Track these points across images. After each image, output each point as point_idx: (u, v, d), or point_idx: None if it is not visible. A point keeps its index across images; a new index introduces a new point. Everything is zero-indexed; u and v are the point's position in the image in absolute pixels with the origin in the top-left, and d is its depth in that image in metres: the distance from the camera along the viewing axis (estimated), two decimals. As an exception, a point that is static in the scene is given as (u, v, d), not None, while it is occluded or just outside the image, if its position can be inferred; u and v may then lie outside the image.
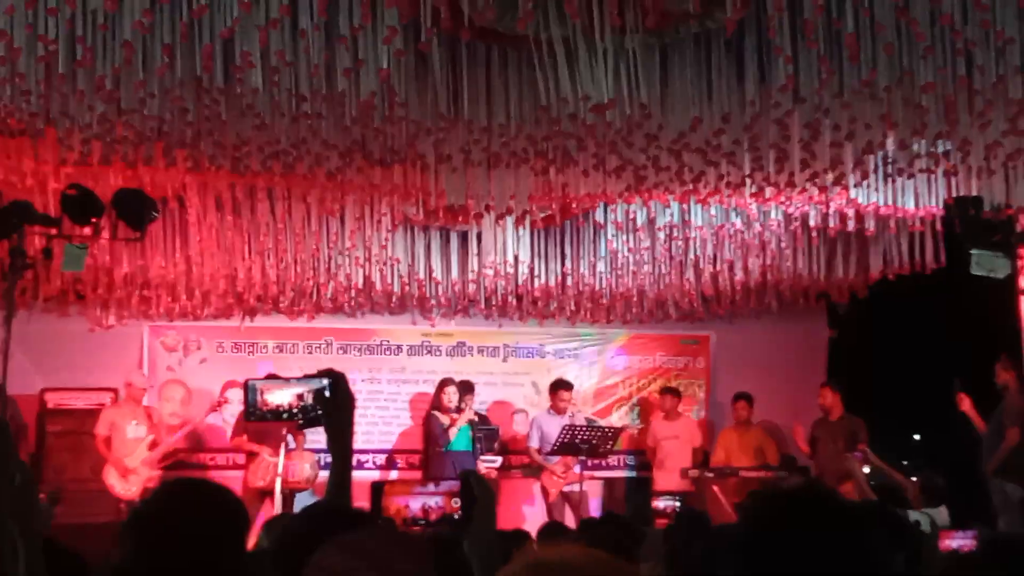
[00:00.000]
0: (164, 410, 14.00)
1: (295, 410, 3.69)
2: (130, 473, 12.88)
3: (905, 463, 13.35)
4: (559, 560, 2.22)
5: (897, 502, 11.14)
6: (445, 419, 13.58)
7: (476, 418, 13.85)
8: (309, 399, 3.67)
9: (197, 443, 14.58)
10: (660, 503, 12.74)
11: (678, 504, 12.49)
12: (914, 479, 11.82)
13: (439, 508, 3.48)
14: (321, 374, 3.74)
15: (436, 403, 13.78)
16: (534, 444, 14.04)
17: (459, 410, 13.63)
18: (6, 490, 3.12)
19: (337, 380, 3.71)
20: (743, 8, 7.30)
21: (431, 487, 3.59)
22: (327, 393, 3.67)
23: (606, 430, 13.65)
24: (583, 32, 7.38)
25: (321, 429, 3.80)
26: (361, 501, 3.72)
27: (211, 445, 14.61)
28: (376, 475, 14.38)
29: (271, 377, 3.84)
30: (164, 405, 14.18)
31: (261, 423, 4.31)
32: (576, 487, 13.42)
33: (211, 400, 14.05)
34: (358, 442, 14.27)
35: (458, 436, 13.53)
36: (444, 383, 13.81)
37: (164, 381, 14.55)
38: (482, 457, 13.41)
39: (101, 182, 10.56)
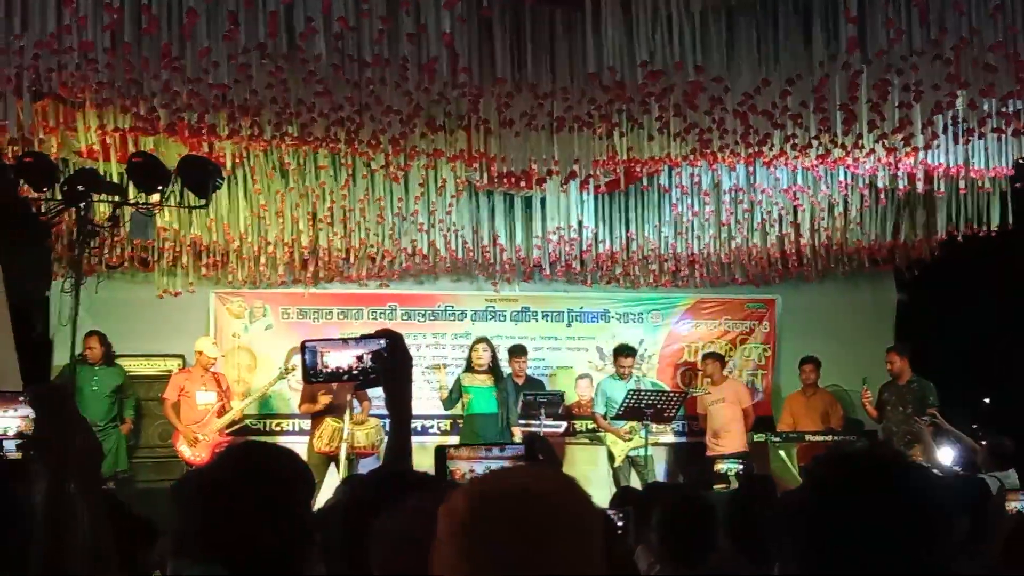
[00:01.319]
0: (231, 376, 14.13)
1: (355, 371, 3.67)
2: (199, 439, 13.01)
3: (975, 426, 13.19)
4: (500, 492, 2.28)
5: (966, 466, 11.06)
6: (466, 380, 13.57)
7: (489, 373, 13.68)
8: (368, 360, 3.65)
9: (264, 409, 14.69)
10: (722, 467, 12.70)
11: (741, 468, 12.45)
12: (983, 442, 11.70)
13: (505, 472, 3.50)
14: (379, 334, 3.73)
15: (467, 363, 13.76)
16: (599, 409, 14.04)
17: (490, 370, 13.55)
18: (70, 455, 3.15)
19: (395, 340, 3.69)
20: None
21: (496, 451, 3.59)
22: (385, 354, 3.66)
23: (671, 394, 13.63)
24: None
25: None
26: (426, 465, 3.72)
27: (278, 411, 14.71)
28: (439, 440, 14.45)
29: (328, 339, 3.83)
30: (231, 372, 14.32)
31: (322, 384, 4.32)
32: (641, 451, 13.41)
33: (276, 367, 14.16)
34: (422, 408, 14.38)
35: (480, 398, 13.46)
36: (476, 342, 13.77)
37: (231, 347, 14.70)
38: (545, 422, 13.34)
39: (167, 149, 10.65)
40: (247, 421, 14.15)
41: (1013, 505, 7.29)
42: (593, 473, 14.38)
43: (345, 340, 3.77)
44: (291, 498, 3.23)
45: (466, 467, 3.74)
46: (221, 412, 13.33)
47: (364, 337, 3.72)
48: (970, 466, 11.08)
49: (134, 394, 13.67)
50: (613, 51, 7.73)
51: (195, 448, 12.96)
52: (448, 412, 14.42)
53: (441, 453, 3.71)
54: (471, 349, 13.65)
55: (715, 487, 12.20)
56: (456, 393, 13.56)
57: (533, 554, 2.20)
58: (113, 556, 3.19)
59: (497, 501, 2.26)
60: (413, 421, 3.78)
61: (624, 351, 14.22)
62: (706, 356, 15.03)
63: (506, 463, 3.72)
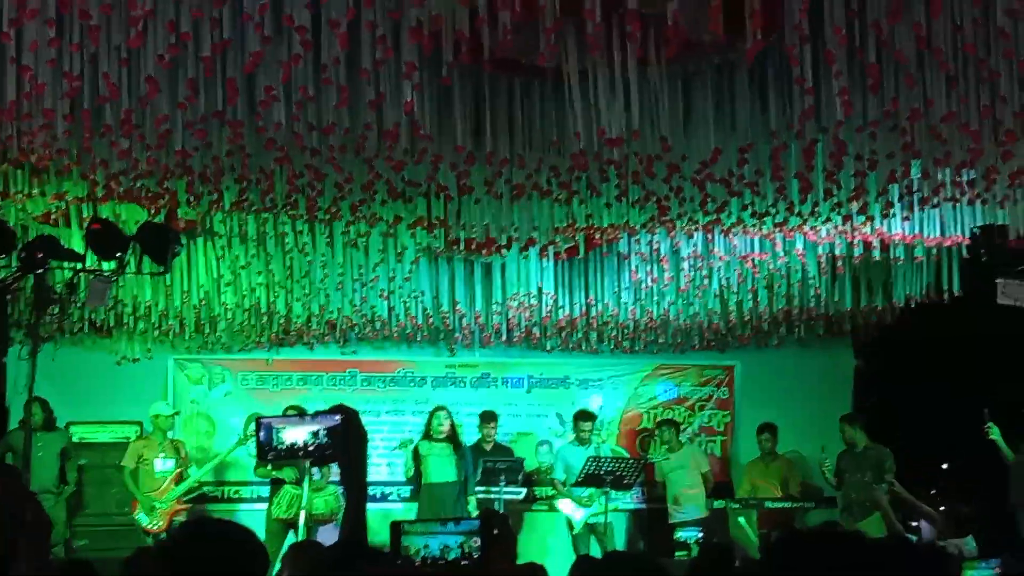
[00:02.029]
0: (189, 443, 14.04)
1: (311, 448, 3.68)
2: (156, 507, 12.90)
3: (933, 492, 13.24)
4: None
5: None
6: (424, 448, 13.53)
7: (448, 441, 13.67)
8: (323, 436, 3.66)
9: (222, 476, 14.59)
10: (682, 534, 12.69)
11: (701, 535, 12.45)
12: (942, 509, 11.75)
13: (459, 547, 3.47)
14: (333, 410, 3.74)
15: (425, 430, 13.73)
16: (559, 476, 14.02)
17: (448, 437, 13.53)
18: (20, 529, 3.13)
19: (350, 416, 3.71)
20: (765, 39, 7.28)
21: (451, 526, 3.57)
22: (340, 430, 3.66)
23: (631, 461, 13.63)
24: (605, 64, 7.37)
25: None
26: (385, 533, 3.70)
27: (235, 478, 14.61)
28: (401, 507, 14.38)
29: (284, 416, 3.84)
30: (189, 439, 14.24)
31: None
32: (601, 518, 13.38)
33: (235, 433, 14.09)
34: (383, 474, 14.36)
35: (438, 466, 13.40)
36: (436, 409, 13.75)
37: (190, 414, 14.62)
38: (505, 489, 13.30)
39: (125, 216, 10.63)
40: (205, 488, 14.05)
41: (972, 574, 7.32)
42: (553, 540, 14.35)
43: (301, 416, 3.78)
44: (243, 572, 3.22)
45: (420, 542, 3.74)
46: (179, 479, 13.22)
47: (319, 413, 3.74)
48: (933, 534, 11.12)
49: (76, 457, 13.52)
50: (572, 119, 7.78)
51: (152, 516, 12.85)
52: (403, 479, 14.38)
53: (396, 529, 3.71)
54: (431, 416, 13.62)
55: (676, 554, 12.18)
56: (414, 464, 13.50)
57: None
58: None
59: None
60: (373, 488, 3.78)
61: (584, 416, 14.25)
62: (661, 423, 15.07)
63: (461, 537, 3.71)
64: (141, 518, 12.90)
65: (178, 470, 13.26)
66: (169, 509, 12.93)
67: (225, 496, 14.63)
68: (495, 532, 3.59)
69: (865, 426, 13.57)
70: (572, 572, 6.50)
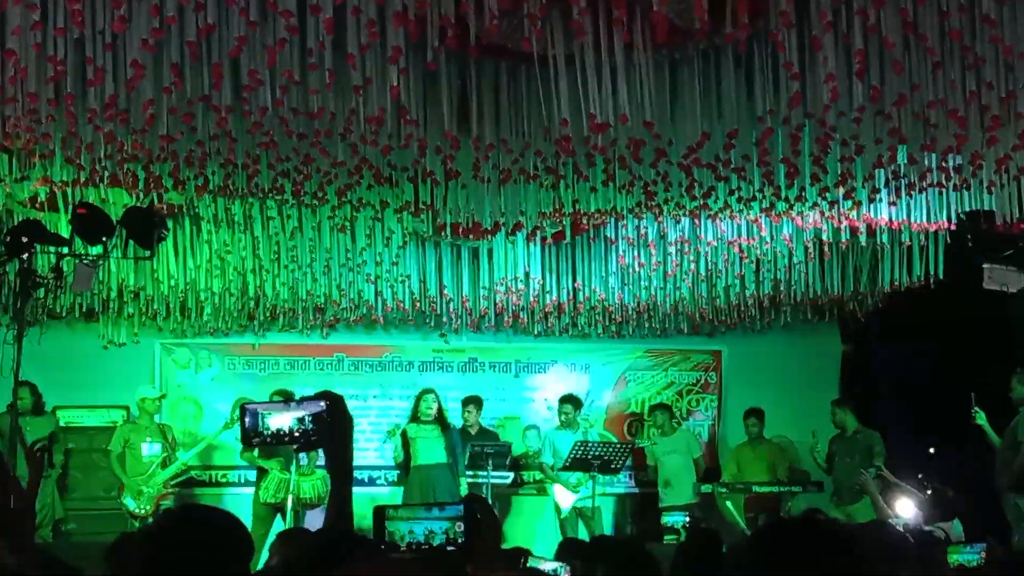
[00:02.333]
0: (176, 428, 14.03)
1: (296, 433, 3.67)
2: (143, 491, 12.89)
3: (920, 476, 13.28)
4: None
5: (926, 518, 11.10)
6: (412, 430, 13.52)
7: (435, 423, 13.66)
8: (308, 422, 3.65)
9: (209, 460, 14.58)
10: (669, 519, 12.72)
11: (688, 520, 12.48)
12: (928, 493, 11.77)
13: (443, 533, 3.48)
14: (319, 396, 3.73)
15: (412, 413, 13.72)
16: (547, 460, 14.05)
17: (435, 420, 13.52)
18: (6, 519, 3.13)
19: (335, 402, 3.70)
20: (751, 24, 7.28)
21: (435, 511, 3.57)
22: (325, 416, 3.66)
23: (618, 445, 13.66)
24: (591, 49, 7.36)
25: None
26: (368, 520, 3.73)
27: (222, 462, 14.60)
28: (387, 491, 14.40)
29: (269, 402, 3.84)
30: (176, 423, 14.23)
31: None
32: (589, 503, 13.41)
33: (222, 417, 14.07)
34: (370, 459, 14.36)
35: (427, 448, 13.40)
36: (423, 392, 13.74)
37: (177, 398, 14.61)
38: (493, 473, 13.32)
39: (111, 200, 10.61)
40: (192, 472, 14.05)
41: (955, 557, 7.33)
42: (540, 524, 14.38)
43: (286, 402, 3.77)
44: (228, 559, 3.22)
45: (405, 528, 3.73)
46: (166, 464, 13.22)
47: (304, 399, 3.73)
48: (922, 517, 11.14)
49: (64, 441, 13.48)
50: (558, 104, 7.77)
51: (139, 500, 12.85)
52: (391, 464, 14.41)
53: (380, 514, 3.71)
54: (418, 399, 13.61)
55: (666, 538, 12.20)
56: (403, 448, 13.49)
57: None
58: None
59: None
60: (360, 472, 3.79)
61: (568, 400, 14.28)
62: (653, 407, 15.12)
63: (445, 523, 3.71)
64: (128, 502, 12.89)
65: (165, 454, 13.25)
66: (156, 493, 12.93)
67: (212, 480, 14.63)
68: (478, 517, 3.59)
69: (855, 409, 13.64)
70: (557, 555, 6.52)
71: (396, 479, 14.77)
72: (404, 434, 13.53)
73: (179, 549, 3.20)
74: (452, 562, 3.74)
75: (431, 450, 13.35)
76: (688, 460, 14.43)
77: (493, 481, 13.24)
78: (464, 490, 13.11)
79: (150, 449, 13.18)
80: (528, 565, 5.38)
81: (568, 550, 7.28)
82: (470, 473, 13.33)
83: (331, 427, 3.69)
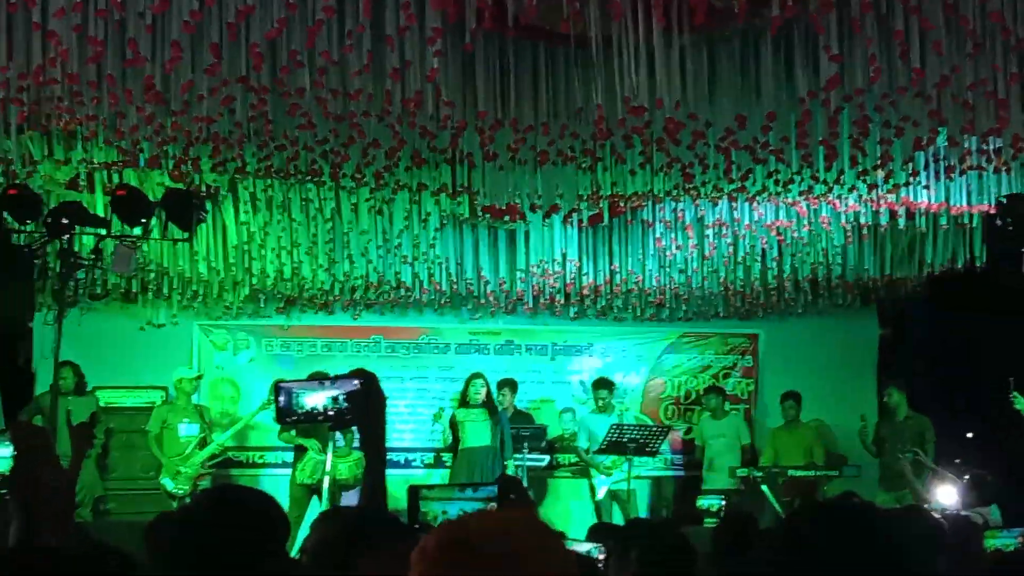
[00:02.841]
0: (214, 409, 14.10)
1: (331, 412, 3.68)
2: (181, 472, 12.96)
3: (957, 461, 13.20)
4: (472, 533, 2.26)
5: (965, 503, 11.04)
6: (460, 414, 13.51)
7: (483, 407, 13.63)
8: (342, 401, 3.66)
9: (245, 441, 14.64)
10: (706, 502, 12.70)
11: (724, 503, 12.45)
12: (966, 478, 11.71)
13: (477, 514, 3.52)
14: (353, 375, 3.72)
15: (461, 397, 13.72)
16: (582, 444, 14.04)
17: (484, 404, 13.50)
18: (41, 493, 3.15)
19: (370, 381, 3.69)
20: (791, 6, 7.24)
21: (469, 492, 3.58)
22: (359, 394, 3.66)
23: (653, 428, 13.65)
24: (629, 30, 7.34)
25: None
26: (404, 502, 3.73)
27: (259, 443, 14.65)
28: (423, 473, 14.43)
29: (303, 380, 3.84)
30: (214, 404, 14.29)
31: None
32: (624, 485, 13.40)
33: (259, 399, 14.13)
34: (405, 441, 14.39)
35: (475, 432, 13.40)
36: (473, 377, 13.71)
37: (214, 380, 14.67)
38: (528, 456, 13.33)
39: (151, 182, 10.67)
40: (229, 453, 14.11)
41: (994, 543, 7.31)
42: (576, 507, 14.39)
43: (320, 380, 3.77)
44: (264, 539, 3.23)
45: (439, 508, 3.74)
46: (203, 444, 13.28)
47: (338, 377, 3.73)
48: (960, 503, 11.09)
49: (105, 422, 13.55)
50: (596, 86, 7.76)
51: (177, 480, 12.91)
52: (430, 446, 14.46)
53: (414, 493, 3.72)
54: (467, 384, 13.56)
55: (707, 522, 12.16)
56: (452, 432, 13.49)
57: None
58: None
59: (461, 543, 2.24)
60: (396, 454, 3.79)
61: (602, 384, 14.26)
62: (708, 389, 15.08)
63: (479, 503, 3.72)
64: (166, 482, 12.96)
65: (202, 435, 13.31)
66: (194, 474, 12.99)
67: (249, 461, 14.68)
68: (511, 497, 3.59)
69: (908, 392, 13.58)
70: (589, 537, 6.53)
71: (432, 461, 14.81)
72: (453, 418, 13.53)
73: (215, 529, 3.21)
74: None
75: (478, 433, 13.34)
76: (736, 445, 14.41)
77: (528, 464, 13.25)
78: (512, 472, 13.17)
79: (187, 430, 13.23)
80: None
81: (601, 533, 7.30)
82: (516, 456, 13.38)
83: (365, 405, 3.69)
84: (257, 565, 3.16)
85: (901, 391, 13.63)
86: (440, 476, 14.17)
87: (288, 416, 3.75)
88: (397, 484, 4.09)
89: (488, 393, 13.49)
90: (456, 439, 13.38)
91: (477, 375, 13.58)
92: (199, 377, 13.95)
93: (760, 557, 3.07)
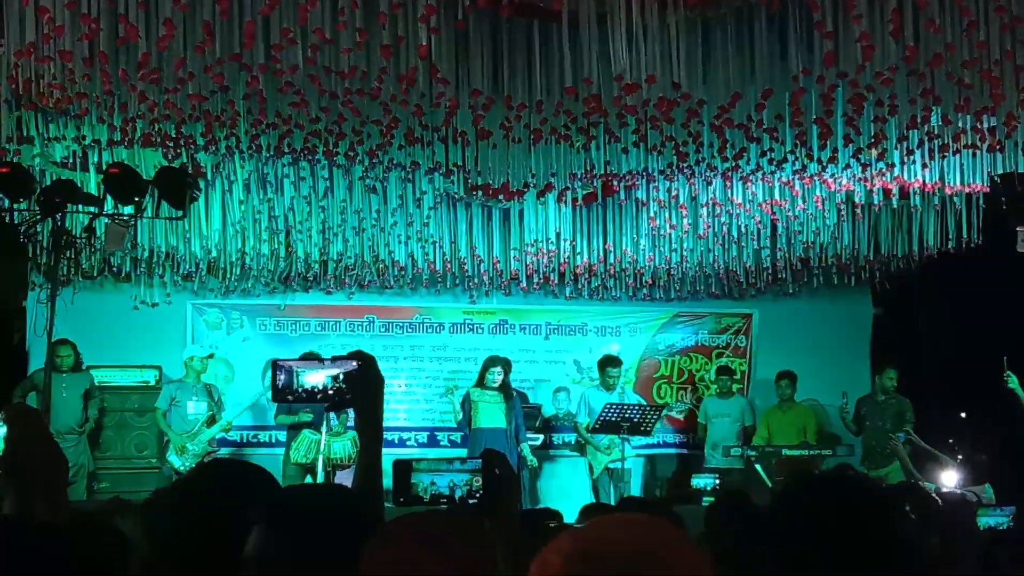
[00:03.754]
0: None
1: (330, 391, 3.67)
2: (188, 449, 12.97)
3: (951, 441, 13.24)
4: (601, 545, 2.12)
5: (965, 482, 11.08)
6: (475, 394, 13.52)
7: (499, 390, 13.62)
8: (341, 381, 3.65)
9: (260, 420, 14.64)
10: (701, 481, 12.73)
11: (718, 482, 12.49)
12: (959, 458, 11.74)
13: (466, 485, 3.49)
14: (351, 356, 3.72)
15: (478, 379, 13.73)
16: (582, 420, 14.04)
17: (502, 388, 13.52)
18: (36, 472, 3.15)
19: (367, 362, 3.69)
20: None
21: (457, 464, 3.58)
22: (357, 375, 3.65)
23: (648, 408, 13.64)
24: (622, 7, 7.33)
25: None
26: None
27: (253, 423, 14.66)
28: (417, 452, 14.45)
29: (301, 360, 3.83)
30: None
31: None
32: (619, 464, 13.42)
33: (252, 377, 14.15)
34: (399, 420, 14.41)
35: (488, 413, 13.43)
36: (492, 363, 13.70)
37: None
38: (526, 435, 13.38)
39: (143, 160, 10.65)
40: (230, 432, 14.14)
41: (987, 521, 7.32)
42: (573, 485, 14.40)
43: (320, 360, 3.77)
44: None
45: (427, 479, 3.74)
46: (211, 422, 13.31)
47: (336, 358, 3.72)
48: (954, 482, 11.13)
49: (99, 397, 13.55)
50: (589, 64, 7.75)
51: (184, 458, 12.90)
52: (424, 425, 14.51)
53: (403, 467, 3.71)
54: (485, 369, 13.55)
55: (705, 500, 12.17)
56: (461, 410, 13.50)
57: None
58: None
59: (597, 560, 2.10)
60: (390, 434, 3.78)
61: (611, 362, 14.24)
62: (719, 369, 15.10)
63: (467, 476, 3.71)
64: (173, 459, 12.98)
65: (210, 413, 13.35)
66: (201, 451, 12.98)
67: (244, 440, 14.68)
68: (496, 472, 3.58)
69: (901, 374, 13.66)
70: (580, 518, 6.54)
71: (426, 440, 14.85)
72: (466, 396, 13.55)
73: (209, 501, 3.21)
74: (472, 514, 3.73)
75: (492, 415, 13.38)
76: (739, 427, 14.45)
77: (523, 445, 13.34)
78: (528, 456, 13.30)
79: (196, 407, 13.28)
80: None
81: (592, 512, 7.30)
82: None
83: (363, 386, 3.69)
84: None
85: (894, 371, 13.69)
86: (435, 455, 14.19)
87: (287, 395, 3.73)
88: (389, 463, 4.10)
89: (506, 378, 13.52)
90: (468, 419, 13.41)
91: (495, 363, 13.56)
92: (210, 356, 13.95)
93: (754, 530, 3.06)
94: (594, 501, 11.95)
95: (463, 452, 13.38)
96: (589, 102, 8.32)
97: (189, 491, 3.35)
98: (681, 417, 15.62)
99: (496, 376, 13.35)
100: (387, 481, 3.67)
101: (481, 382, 13.45)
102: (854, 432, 13.78)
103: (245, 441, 14.67)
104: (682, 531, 2.20)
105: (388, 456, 3.64)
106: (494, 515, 3.64)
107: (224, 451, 13.90)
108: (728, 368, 15.14)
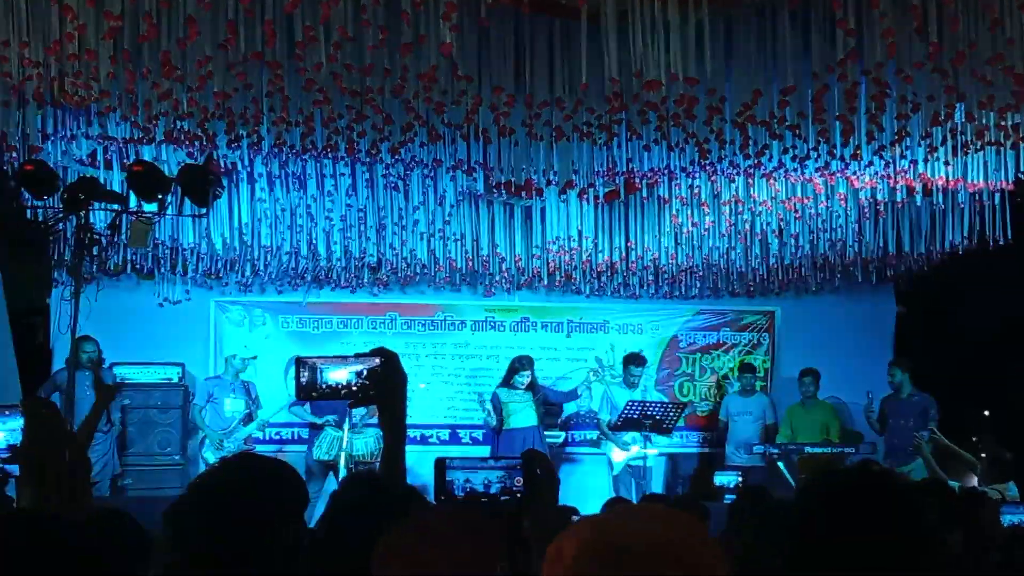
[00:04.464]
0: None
1: (354, 388, 3.69)
2: (224, 445, 13.03)
3: (974, 439, 13.22)
4: (619, 536, 2.12)
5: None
6: (504, 395, 13.55)
7: (527, 390, 13.68)
8: (365, 378, 3.67)
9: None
10: (723, 479, 12.70)
11: (740, 480, 12.46)
12: (983, 455, 11.71)
13: (500, 483, 3.50)
14: (374, 353, 3.74)
15: (505, 379, 13.77)
16: (604, 416, 14.05)
17: (529, 387, 13.57)
18: (56, 468, 3.16)
19: (390, 359, 3.71)
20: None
21: (491, 462, 3.60)
22: (380, 372, 3.67)
23: (670, 405, 13.65)
24: (644, 4, 7.33)
25: None
26: (422, 474, 3.72)
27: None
28: (440, 450, 14.47)
29: (325, 357, 3.84)
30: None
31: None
32: (641, 461, 13.42)
33: (277, 375, 14.19)
34: (422, 417, 14.43)
35: (520, 413, 13.47)
36: (522, 365, 13.75)
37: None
38: (545, 432, 13.40)
39: (167, 158, 10.68)
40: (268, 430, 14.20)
41: (1011, 519, 7.30)
42: (593, 482, 14.39)
43: (344, 357, 3.78)
44: (283, 506, 3.25)
45: (462, 477, 3.76)
46: (248, 420, 13.37)
47: (359, 355, 3.74)
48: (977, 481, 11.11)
49: (121, 397, 13.57)
50: (610, 61, 7.75)
51: (220, 454, 12.95)
52: (446, 421, 14.58)
53: (440, 465, 3.73)
54: (512, 370, 13.62)
55: (727, 498, 12.17)
56: (499, 413, 13.55)
57: None
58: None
59: (613, 550, 2.09)
60: (412, 431, 3.80)
61: (636, 360, 14.24)
62: (742, 367, 15.07)
63: (501, 474, 3.73)
64: (208, 455, 13.05)
65: (247, 411, 13.41)
66: (236, 448, 13.03)
67: (267, 438, 14.70)
68: (537, 472, 3.59)
69: (912, 371, 13.59)
70: (603, 510, 6.55)
71: (447, 437, 14.89)
72: (495, 398, 13.59)
73: (234, 494, 3.23)
74: (508, 512, 3.75)
75: (524, 415, 13.47)
76: (761, 425, 14.43)
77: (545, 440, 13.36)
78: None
79: (233, 404, 13.34)
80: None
81: (614, 505, 7.30)
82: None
83: (386, 383, 3.71)
84: (277, 531, 3.17)
85: (904, 370, 13.65)
86: (457, 452, 14.21)
87: (312, 391, 3.75)
88: (412, 460, 4.11)
89: (532, 378, 13.57)
90: (500, 419, 13.47)
91: (523, 365, 13.62)
92: (253, 358, 14.01)
93: (776, 524, 3.06)
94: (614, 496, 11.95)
95: (486, 450, 13.44)
96: (609, 99, 8.32)
97: (210, 482, 3.37)
98: (703, 415, 15.59)
99: (524, 379, 13.42)
100: (427, 479, 3.69)
101: (508, 383, 13.49)
102: (878, 431, 13.74)
103: (267, 438, 14.67)
104: (702, 526, 2.19)
105: (412, 454, 3.66)
106: (534, 513, 3.66)
107: (260, 448, 13.94)
108: (751, 366, 15.12)
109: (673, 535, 2.12)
